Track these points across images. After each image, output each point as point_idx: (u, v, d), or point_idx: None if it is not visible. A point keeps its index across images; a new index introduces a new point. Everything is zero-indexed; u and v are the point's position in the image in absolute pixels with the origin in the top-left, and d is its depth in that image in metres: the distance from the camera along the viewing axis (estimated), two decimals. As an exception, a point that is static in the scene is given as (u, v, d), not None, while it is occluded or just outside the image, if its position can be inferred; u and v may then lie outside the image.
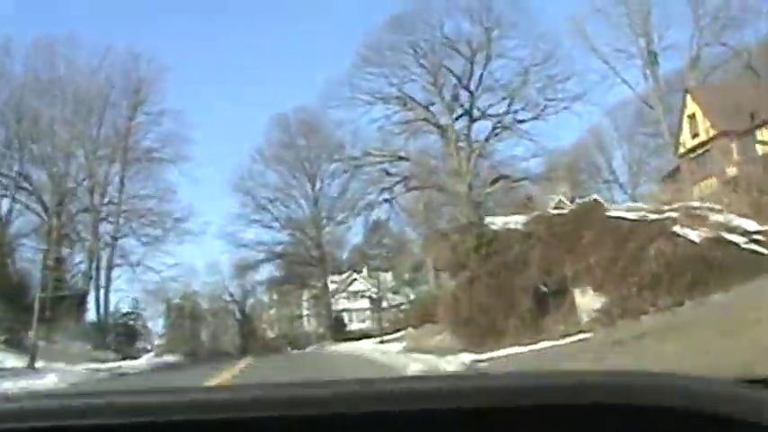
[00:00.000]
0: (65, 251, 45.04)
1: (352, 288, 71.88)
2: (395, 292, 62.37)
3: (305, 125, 55.98)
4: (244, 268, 63.76)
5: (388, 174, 36.81)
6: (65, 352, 31.72)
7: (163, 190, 51.71)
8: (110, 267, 45.51)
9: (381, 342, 34.59)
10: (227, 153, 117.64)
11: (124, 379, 23.72)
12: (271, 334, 76.16)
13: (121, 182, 46.37)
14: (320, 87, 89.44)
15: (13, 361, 26.26)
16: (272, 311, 73.89)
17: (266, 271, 65.91)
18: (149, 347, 69.62)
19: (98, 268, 45.20)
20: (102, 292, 45.15)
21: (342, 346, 39.98)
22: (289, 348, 63.37)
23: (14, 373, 22.47)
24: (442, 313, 27.73)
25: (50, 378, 20.78)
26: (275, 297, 72.15)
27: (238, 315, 71.76)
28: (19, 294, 36.15)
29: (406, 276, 60.51)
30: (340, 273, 67.03)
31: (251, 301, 72.32)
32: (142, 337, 63.38)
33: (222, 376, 20.52)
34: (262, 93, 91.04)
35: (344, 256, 69.76)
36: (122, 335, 48.37)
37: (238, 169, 62.52)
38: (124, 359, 37.74)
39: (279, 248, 63.85)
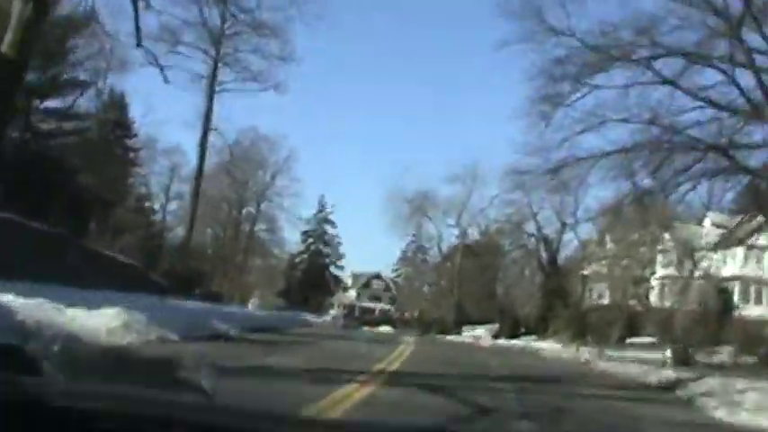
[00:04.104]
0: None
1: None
2: None
3: None
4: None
5: None
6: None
7: None
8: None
9: None
10: None
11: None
12: (601, 300, 47.00)
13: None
14: None
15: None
16: (603, 263, 43.99)
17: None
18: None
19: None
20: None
21: None
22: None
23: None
24: None
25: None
26: (607, 240, 42.96)
27: (544, 260, 44.28)
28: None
29: None
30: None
31: (569, 239, 44.32)
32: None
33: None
34: None
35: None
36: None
37: None
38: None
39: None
